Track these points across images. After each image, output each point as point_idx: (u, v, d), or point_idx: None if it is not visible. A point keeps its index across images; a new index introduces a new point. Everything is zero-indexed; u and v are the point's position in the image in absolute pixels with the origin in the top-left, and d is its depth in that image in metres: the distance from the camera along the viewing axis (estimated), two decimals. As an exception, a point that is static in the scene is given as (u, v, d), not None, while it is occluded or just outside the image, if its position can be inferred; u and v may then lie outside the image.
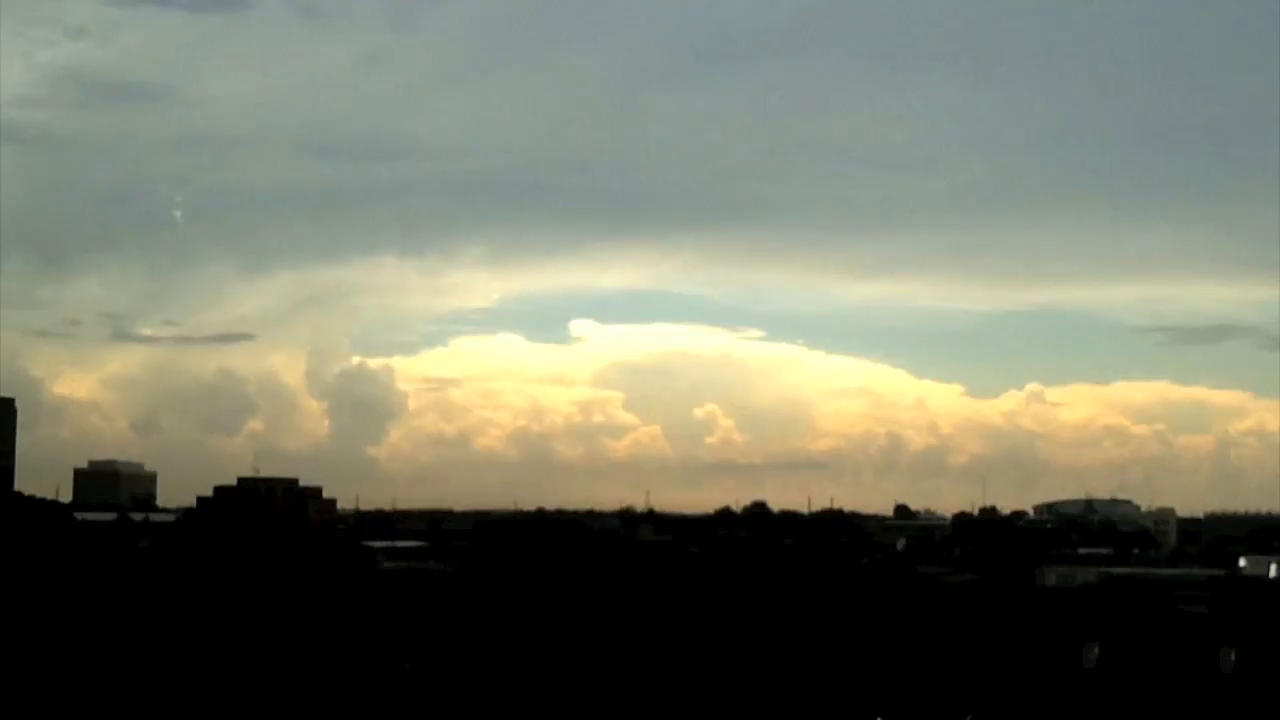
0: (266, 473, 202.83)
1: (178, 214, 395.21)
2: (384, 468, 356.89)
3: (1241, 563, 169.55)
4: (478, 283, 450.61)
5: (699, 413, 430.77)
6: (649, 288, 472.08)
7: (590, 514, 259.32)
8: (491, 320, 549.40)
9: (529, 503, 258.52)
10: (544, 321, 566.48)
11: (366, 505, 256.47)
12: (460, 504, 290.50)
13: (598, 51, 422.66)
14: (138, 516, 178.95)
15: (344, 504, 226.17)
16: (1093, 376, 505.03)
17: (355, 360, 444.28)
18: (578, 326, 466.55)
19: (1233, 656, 71.85)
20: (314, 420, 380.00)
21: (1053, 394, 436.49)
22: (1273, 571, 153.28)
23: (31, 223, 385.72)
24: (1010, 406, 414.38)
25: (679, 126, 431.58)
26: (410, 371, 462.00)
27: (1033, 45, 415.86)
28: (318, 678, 67.21)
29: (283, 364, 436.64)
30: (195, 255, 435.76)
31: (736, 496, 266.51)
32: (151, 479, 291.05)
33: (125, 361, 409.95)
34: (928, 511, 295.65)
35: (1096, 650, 73.58)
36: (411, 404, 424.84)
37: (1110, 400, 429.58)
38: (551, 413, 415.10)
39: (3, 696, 61.74)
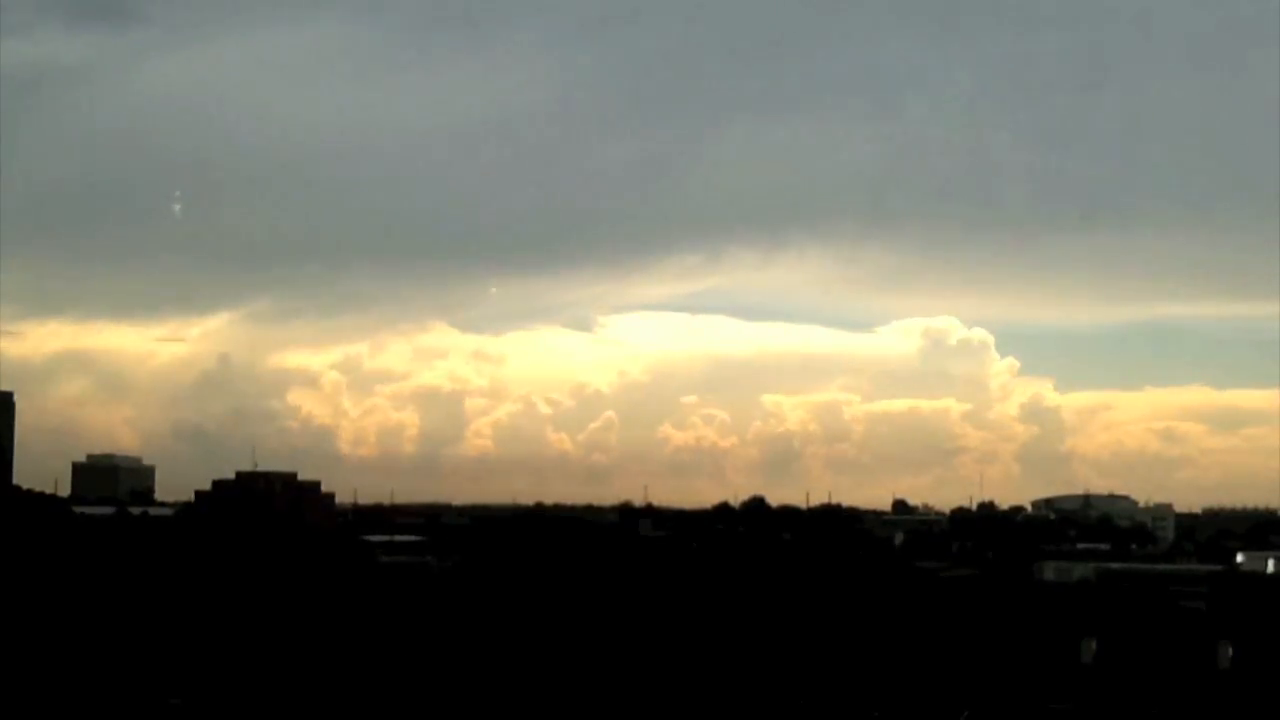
0: (265, 467, 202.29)
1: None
2: (380, 462, 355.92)
3: (1239, 558, 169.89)
4: (489, 277, 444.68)
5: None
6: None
7: (589, 509, 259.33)
8: (505, 315, 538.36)
9: (527, 498, 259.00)
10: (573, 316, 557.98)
11: (364, 500, 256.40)
12: (458, 499, 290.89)
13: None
14: (136, 510, 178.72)
15: (342, 498, 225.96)
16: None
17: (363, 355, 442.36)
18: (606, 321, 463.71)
19: (1230, 651, 72.05)
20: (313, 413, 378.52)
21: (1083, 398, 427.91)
22: (1270, 567, 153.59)
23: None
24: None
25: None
26: (409, 367, 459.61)
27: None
28: (316, 671, 67.23)
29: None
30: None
31: (734, 492, 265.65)
32: (150, 473, 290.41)
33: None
34: (926, 507, 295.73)
35: (1094, 645, 73.73)
36: (410, 400, 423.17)
37: (1138, 403, 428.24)
38: (555, 407, 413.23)
39: (2, 690, 61.71)
